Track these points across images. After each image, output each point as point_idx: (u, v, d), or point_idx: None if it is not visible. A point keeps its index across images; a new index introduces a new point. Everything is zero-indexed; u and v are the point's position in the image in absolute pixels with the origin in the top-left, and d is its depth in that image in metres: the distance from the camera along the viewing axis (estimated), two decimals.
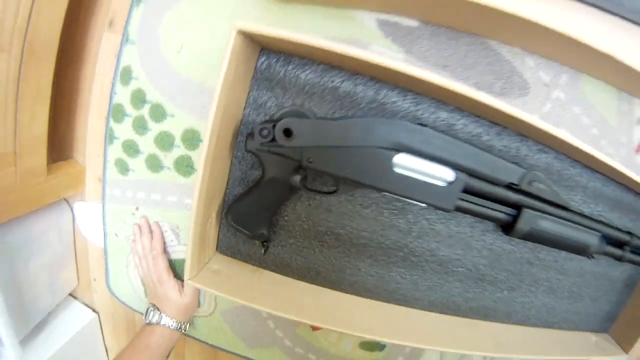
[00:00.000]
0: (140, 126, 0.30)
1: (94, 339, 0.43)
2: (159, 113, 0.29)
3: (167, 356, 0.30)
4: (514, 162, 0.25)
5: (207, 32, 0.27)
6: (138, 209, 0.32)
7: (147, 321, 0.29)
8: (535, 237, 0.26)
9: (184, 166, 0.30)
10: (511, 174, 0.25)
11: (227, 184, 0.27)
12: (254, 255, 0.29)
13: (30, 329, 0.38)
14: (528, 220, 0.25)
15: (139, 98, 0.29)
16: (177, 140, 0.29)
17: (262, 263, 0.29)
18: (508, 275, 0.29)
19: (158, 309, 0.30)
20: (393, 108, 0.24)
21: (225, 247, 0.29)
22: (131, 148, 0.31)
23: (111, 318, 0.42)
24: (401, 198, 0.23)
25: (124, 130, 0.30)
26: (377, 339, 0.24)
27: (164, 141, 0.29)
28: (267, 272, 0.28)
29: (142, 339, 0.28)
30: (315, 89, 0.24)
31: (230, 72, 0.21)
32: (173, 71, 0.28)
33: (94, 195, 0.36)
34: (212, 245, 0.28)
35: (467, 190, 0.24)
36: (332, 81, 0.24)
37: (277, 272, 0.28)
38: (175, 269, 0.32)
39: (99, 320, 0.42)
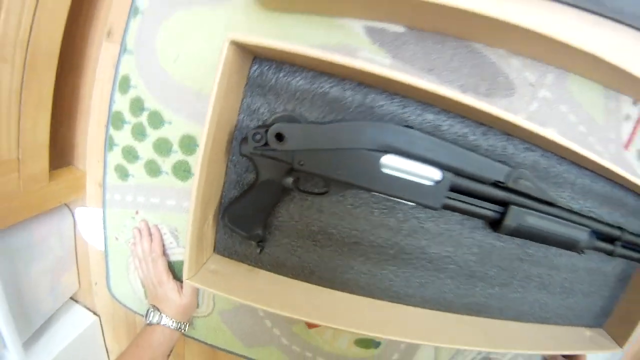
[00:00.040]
0: (139, 133, 0.32)
1: (95, 342, 0.45)
2: (157, 120, 0.31)
3: (169, 355, 0.32)
4: (500, 161, 0.27)
5: (201, 41, 0.29)
6: (138, 212, 0.34)
7: (148, 322, 0.31)
8: (523, 233, 0.28)
9: (182, 171, 0.32)
10: (497, 172, 0.26)
11: (223, 187, 0.29)
12: (250, 255, 0.30)
13: (32, 332, 0.40)
14: (515, 217, 0.26)
15: (137, 106, 0.31)
16: (175, 146, 0.31)
17: (257, 263, 0.30)
18: (499, 271, 0.31)
19: (158, 310, 0.31)
20: (381, 111, 0.26)
21: (222, 248, 0.30)
22: (130, 154, 0.33)
23: (112, 321, 0.44)
24: (390, 198, 0.25)
25: (124, 137, 0.32)
26: (371, 334, 0.26)
27: (162, 147, 0.31)
28: (263, 272, 0.30)
29: (144, 338, 0.30)
30: (305, 95, 0.26)
31: (224, 81, 0.23)
32: (170, 80, 0.30)
33: (94, 200, 0.38)
34: (210, 246, 0.30)
35: (454, 189, 0.25)
36: (322, 87, 0.26)
37: (273, 272, 0.30)
38: (175, 271, 0.34)
39: (100, 323, 0.44)
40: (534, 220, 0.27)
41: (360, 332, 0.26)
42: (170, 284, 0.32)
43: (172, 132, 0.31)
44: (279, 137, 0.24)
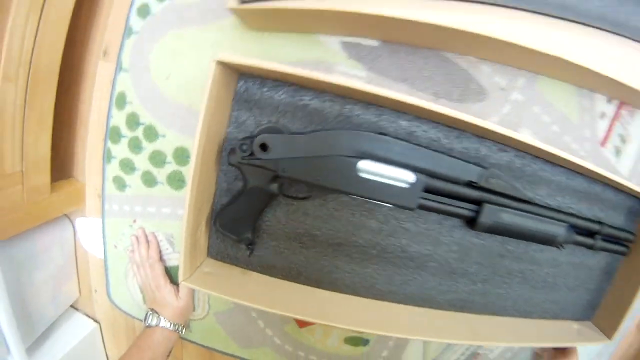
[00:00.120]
0: (135, 146, 0.36)
1: (96, 348, 0.49)
2: (151, 134, 0.35)
3: (168, 356, 0.35)
4: (475, 163, 0.30)
5: (191, 60, 0.33)
6: (135, 221, 0.38)
7: (147, 324, 0.35)
8: (500, 230, 0.31)
9: (176, 180, 0.36)
10: (470, 172, 0.30)
11: (215, 194, 0.33)
12: (241, 258, 0.34)
13: (35, 339, 0.44)
14: (489, 214, 0.30)
15: (133, 121, 0.35)
16: (169, 158, 0.35)
17: (249, 265, 0.34)
18: (479, 267, 0.34)
19: (157, 313, 0.35)
20: (358, 120, 0.30)
21: (215, 252, 0.34)
22: (127, 166, 0.37)
23: (112, 327, 0.48)
24: (368, 200, 0.28)
25: (121, 150, 0.36)
26: (356, 329, 0.29)
27: (157, 159, 0.35)
28: (254, 274, 0.34)
29: (145, 339, 0.33)
30: (288, 108, 0.30)
31: (212, 97, 0.26)
32: (163, 96, 0.34)
33: (94, 210, 0.42)
34: (203, 250, 0.33)
35: (429, 190, 0.29)
36: (302, 100, 0.30)
37: (263, 273, 0.34)
38: (171, 276, 0.38)
39: (100, 330, 0.48)
40: (509, 217, 0.30)
41: (345, 327, 0.29)
42: (167, 287, 0.36)
43: (166, 144, 0.35)
44: (264, 147, 0.28)
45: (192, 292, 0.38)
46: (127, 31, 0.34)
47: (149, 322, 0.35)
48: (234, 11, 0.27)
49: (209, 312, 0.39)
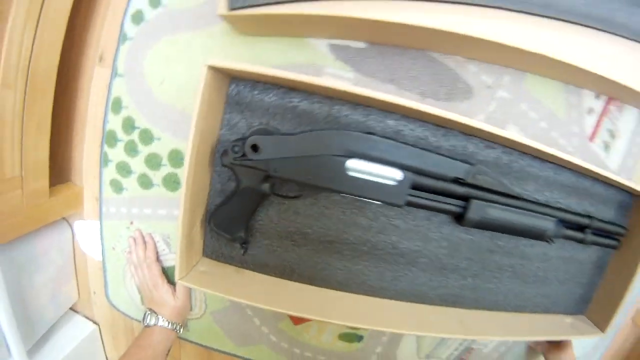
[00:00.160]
0: (131, 149, 0.38)
1: (95, 350, 0.51)
2: (147, 137, 0.37)
3: (167, 355, 0.37)
4: (462, 160, 0.32)
5: (184, 65, 0.35)
6: (132, 223, 0.40)
7: (145, 324, 0.37)
8: (488, 225, 0.32)
9: (172, 182, 0.38)
10: (457, 169, 0.31)
11: (209, 195, 0.34)
12: (235, 257, 0.36)
13: (35, 341, 0.45)
14: (476, 210, 0.31)
15: (129, 125, 0.37)
16: (164, 160, 0.37)
17: (243, 264, 0.36)
18: (469, 263, 0.36)
19: (155, 312, 0.37)
20: (346, 120, 0.32)
21: (210, 252, 0.36)
22: (124, 169, 0.39)
23: (111, 329, 0.50)
24: (357, 198, 0.30)
25: (117, 154, 0.38)
26: (351, 324, 0.31)
27: (153, 161, 0.37)
28: (248, 272, 0.36)
29: (145, 338, 0.35)
30: (278, 109, 0.32)
31: (204, 101, 0.28)
32: (158, 101, 0.36)
33: (91, 213, 0.44)
34: (199, 250, 0.35)
35: (417, 187, 0.30)
36: (292, 102, 0.32)
37: (257, 271, 0.36)
38: (168, 276, 0.40)
39: (99, 332, 0.50)
40: (496, 213, 0.32)
41: (339, 322, 0.31)
42: (165, 287, 0.38)
43: (162, 147, 0.37)
44: (255, 148, 0.30)
45: (189, 292, 0.40)
46: (122, 37, 0.36)
47: (148, 321, 0.36)
48: (225, 17, 0.29)
49: (205, 311, 0.41)
